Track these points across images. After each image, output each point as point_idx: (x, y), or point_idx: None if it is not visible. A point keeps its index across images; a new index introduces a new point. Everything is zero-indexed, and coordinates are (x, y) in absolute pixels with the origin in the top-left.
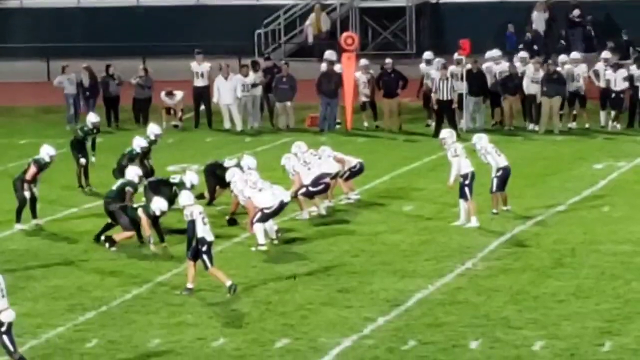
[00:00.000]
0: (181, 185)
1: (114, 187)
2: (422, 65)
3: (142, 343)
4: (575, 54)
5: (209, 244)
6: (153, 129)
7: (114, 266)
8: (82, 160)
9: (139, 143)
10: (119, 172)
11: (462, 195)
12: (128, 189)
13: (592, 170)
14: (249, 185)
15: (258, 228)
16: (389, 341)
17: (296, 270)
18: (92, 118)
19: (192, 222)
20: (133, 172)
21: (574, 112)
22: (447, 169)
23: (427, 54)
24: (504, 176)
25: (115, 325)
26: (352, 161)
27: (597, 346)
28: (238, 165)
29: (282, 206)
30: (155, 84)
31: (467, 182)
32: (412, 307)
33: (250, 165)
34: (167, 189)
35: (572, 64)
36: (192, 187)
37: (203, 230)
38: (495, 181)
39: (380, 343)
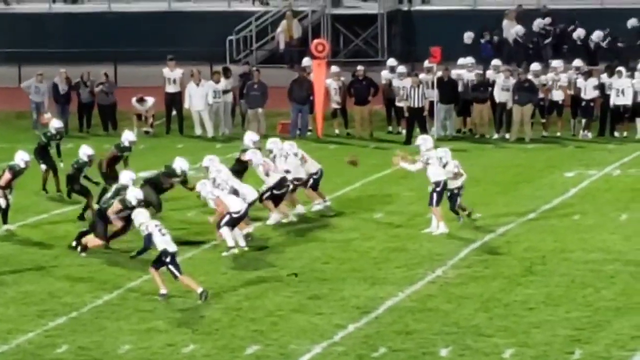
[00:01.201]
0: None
1: (109, 194)
2: (385, 72)
3: (112, 349)
4: (557, 63)
5: (172, 255)
6: (128, 135)
7: (84, 272)
8: (42, 167)
9: (85, 152)
10: (68, 181)
11: (431, 202)
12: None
13: (563, 178)
14: (218, 184)
15: (226, 232)
16: (359, 348)
17: (265, 275)
18: (55, 124)
19: (149, 235)
20: (127, 176)
21: (542, 120)
22: (418, 176)
23: (391, 61)
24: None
25: (86, 331)
26: (312, 167)
27: (567, 354)
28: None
29: (247, 209)
30: (126, 90)
31: (438, 189)
32: (383, 314)
33: (215, 163)
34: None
35: (553, 73)
36: (184, 174)
37: (163, 242)
38: (435, 196)
39: (351, 350)
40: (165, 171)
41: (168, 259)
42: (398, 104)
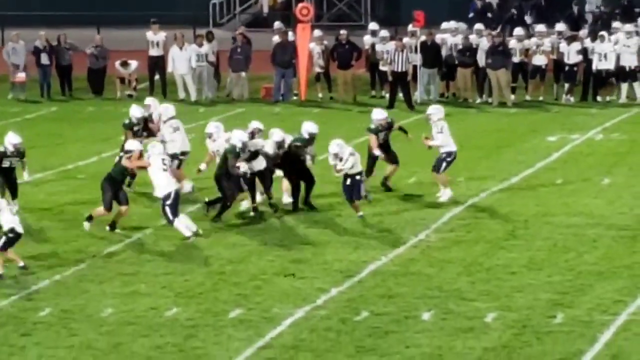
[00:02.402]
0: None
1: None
2: (367, 37)
3: (95, 312)
4: (540, 27)
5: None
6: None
7: (67, 236)
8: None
9: (10, 140)
10: None
11: (437, 169)
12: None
13: (545, 142)
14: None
15: (178, 224)
16: (341, 312)
17: (250, 241)
18: (12, 139)
19: None
20: (134, 145)
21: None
22: (400, 140)
23: (373, 25)
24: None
25: (69, 295)
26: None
27: (549, 318)
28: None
29: (177, 195)
30: (110, 53)
31: (448, 159)
32: (366, 278)
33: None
34: None
35: (536, 37)
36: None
37: (11, 221)
38: (444, 165)
39: (333, 314)
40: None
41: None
42: (381, 68)
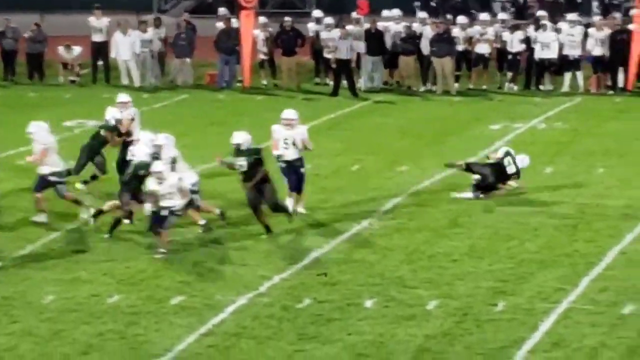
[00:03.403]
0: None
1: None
2: (311, 24)
3: (36, 299)
4: (484, 16)
5: None
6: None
7: (8, 222)
8: None
9: None
10: None
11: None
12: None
13: (488, 131)
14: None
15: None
16: (284, 299)
17: (192, 228)
18: None
19: None
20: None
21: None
22: (347, 127)
23: (317, 13)
24: None
25: (10, 282)
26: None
27: (490, 306)
28: None
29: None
30: (53, 39)
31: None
32: (308, 265)
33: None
34: None
35: (480, 26)
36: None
37: None
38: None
39: (276, 301)
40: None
41: None
42: (326, 55)
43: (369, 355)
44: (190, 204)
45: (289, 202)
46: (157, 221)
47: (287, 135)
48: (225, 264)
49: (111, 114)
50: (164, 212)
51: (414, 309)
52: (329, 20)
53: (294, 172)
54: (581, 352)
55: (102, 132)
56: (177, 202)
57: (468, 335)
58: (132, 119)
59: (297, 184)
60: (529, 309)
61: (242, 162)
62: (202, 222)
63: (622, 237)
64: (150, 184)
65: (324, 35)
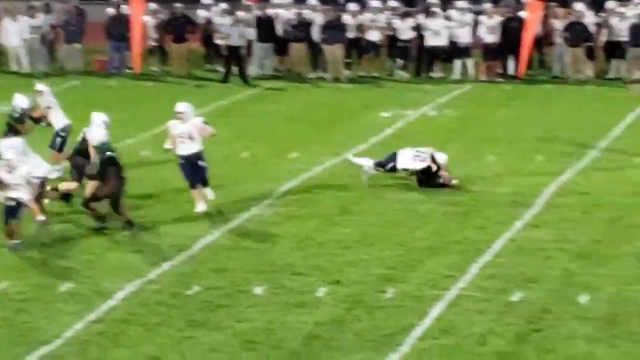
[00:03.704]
0: None
1: None
2: (201, 11)
3: None
4: (375, 3)
5: None
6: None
7: None
8: None
9: None
10: None
11: None
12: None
13: (379, 118)
14: None
15: None
16: (173, 286)
17: (81, 215)
18: None
19: None
20: (99, 119)
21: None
22: (234, 115)
23: None
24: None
25: None
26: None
27: (380, 293)
28: None
29: None
30: None
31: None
32: (198, 252)
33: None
34: None
35: (371, 13)
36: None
37: None
38: None
39: (165, 288)
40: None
41: None
42: (217, 41)
43: (258, 342)
44: (40, 196)
45: (196, 198)
46: (8, 212)
47: (182, 129)
48: (114, 251)
49: (18, 103)
50: (11, 203)
51: (304, 296)
52: (221, 6)
53: (192, 166)
54: (470, 339)
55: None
56: (24, 193)
57: (358, 322)
58: (49, 107)
59: (195, 177)
60: (419, 295)
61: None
62: (41, 217)
63: (512, 225)
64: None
65: (216, 21)
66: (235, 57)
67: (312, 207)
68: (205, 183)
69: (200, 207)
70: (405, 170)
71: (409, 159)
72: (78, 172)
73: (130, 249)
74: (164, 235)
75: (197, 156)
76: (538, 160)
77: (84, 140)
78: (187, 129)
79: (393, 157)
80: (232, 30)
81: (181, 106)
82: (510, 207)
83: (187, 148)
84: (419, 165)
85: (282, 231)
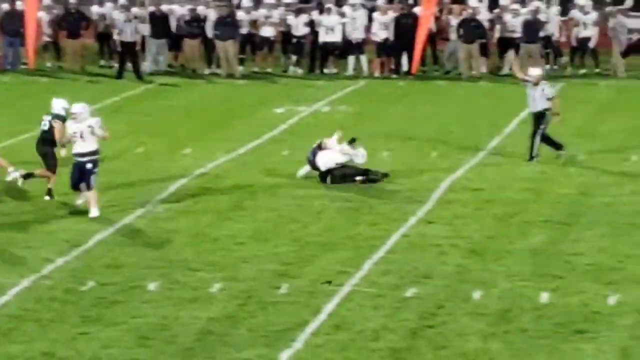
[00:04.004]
0: None
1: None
2: (95, 7)
3: None
4: None
5: None
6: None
7: None
8: None
9: None
10: None
11: None
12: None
13: (273, 114)
14: None
15: None
16: (67, 282)
17: None
18: None
19: None
20: (59, 105)
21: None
22: (128, 111)
23: None
24: None
25: None
26: None
27: (274, 288)
28: None
29: None
30: None
31: None
32: (92, 248)
33: None
34: None
35: (265, 9)
36: None
37: None
38: None
39: (59, 284)
40: None
41: None
42: (114, 37)
43: (152, 338)
44: None
45: (81, 200)
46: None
47: (75, 129)
48: (8, 246)
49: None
50: None
51: (198, 292)
52: (121, 1)
53: (79, 168)
54: (363, 335)
55: None
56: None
57: (251, 318)
58: None
59: (78, 179)
60: (312, 291)
61: None
62: None
63: (405, 221)
64: None
65: (115, 16)
66: (129, 53)
67: (205, 203)
68: (88, 187)
69: (94, 212)
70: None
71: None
72: (46, 161)
73: (24, 244)
74: (58, 231)
75: (86, 157)
76: (432, 157)
77: (51, 128)
78: (80, 128)
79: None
80: (125, 26)
81: (76, 107)
82: (404, 203)
83: (79, 147)
84: (340, 159)
85: (176, 227)
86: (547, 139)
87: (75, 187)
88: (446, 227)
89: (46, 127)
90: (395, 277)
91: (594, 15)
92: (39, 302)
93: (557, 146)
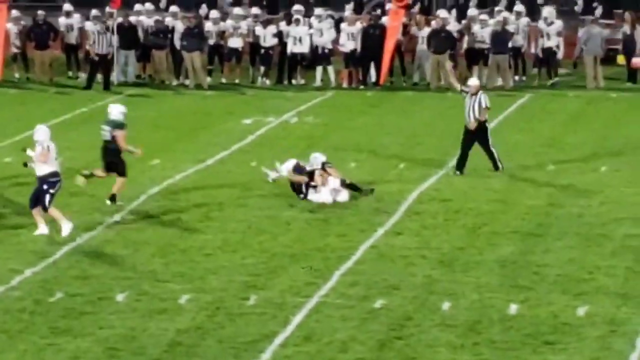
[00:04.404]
0: None
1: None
2: (62, 19)
3: None
4: (237, 10)
5: None
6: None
7: None
8: None
9: None
10: None
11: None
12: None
13: (241, 125)
14: None
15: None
16: (35, 293)
17: None
18: None
19: None
20: (117, 111)
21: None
22: (96, 122)
23: (67, 6)
24: None
25: None
26: None
27: (243, 300)
28: None
29: None
30: None
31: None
32: (60, 259)
33: None
34: None
35: (232, 20)
36: None
37: None
38: None
39: (27, 295)
40: None
41: None
42: (87, 48)
43: (120, 349)
44: None
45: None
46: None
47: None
48: None
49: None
50: None
51: (166, 303)
52: (93, 12)
53: (37, 189)
54: (332, 346)
55: None
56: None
57: (220, 329)
58: None
59: (34, 199)
60: (281, 303)
61: None
62: None
63: (374, 232)
64: None
65: (88, 27)
66: (102, 64)
67: (173, 214)
68: (44, 208)
69: (41, 229)
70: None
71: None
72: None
73: None
74: (25, 241)
75: (41, 179)
76: (400, 168)
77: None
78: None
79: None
80: (100, 37)
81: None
82: (372, 214)
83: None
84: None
85: (144, 238)
86: (464, 155)
87: (31, 207)
88: (415, 238)
89: (108, 137)
90: (363, 288)
91: (557, 25)
92: (8, 313)
93: (461, 166)
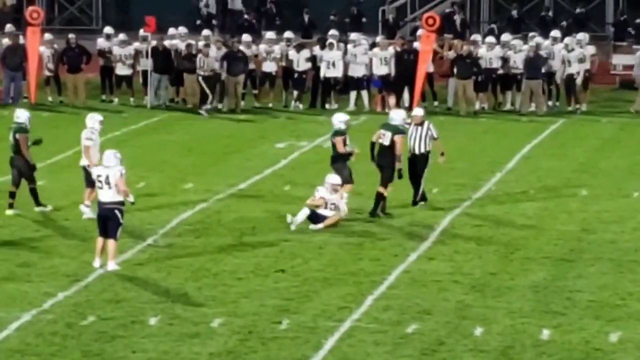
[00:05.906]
0: None
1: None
2: (101, 40)
3: None
4: (270, 34)
5: None
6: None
7: None
8: None
9: None
10: None
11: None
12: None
13: (273, 149)
14: None
15: None
16: (68, 316)
17: None
18: None
19: None
20: (337, 120)
21: (255, 91)
22: (129, 145)
23: (108, 29)
24: None
25: None
26: None
27: (275, 324)
28: None
29: None
30: None
31: None
32: (93, 282)
33: None
34: None
35: (266, 44)
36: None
37: None
38: None
39: (60, 318)
40: None
41: None
42: (118, 72)
43: None
44: None
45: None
46: None
47: (101, 172)
48: (9, 281)
49: None
50: None
51: (199, 327)
52: (123, 36)
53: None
54: None
55: None
56: None
57: (252, 354)
58: None
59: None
60: (313, 327)
61: None
62: None
63: (407, 256)
64: None
65: (117, 51)
66: (130, 87)
67: (206, 238)
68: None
69: (96, 262)
70: None
71: None
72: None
73: (26, 278)
74: (59, 265)
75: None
76: (433, 192)
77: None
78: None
79: None
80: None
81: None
82: (405, 239)
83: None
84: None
85: (176, 261)
86: (417, 186)
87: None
88: (447, 263)
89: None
90: (396, 313)
91: (578, 52)
92: (40, 336)
93: (423, 197)
